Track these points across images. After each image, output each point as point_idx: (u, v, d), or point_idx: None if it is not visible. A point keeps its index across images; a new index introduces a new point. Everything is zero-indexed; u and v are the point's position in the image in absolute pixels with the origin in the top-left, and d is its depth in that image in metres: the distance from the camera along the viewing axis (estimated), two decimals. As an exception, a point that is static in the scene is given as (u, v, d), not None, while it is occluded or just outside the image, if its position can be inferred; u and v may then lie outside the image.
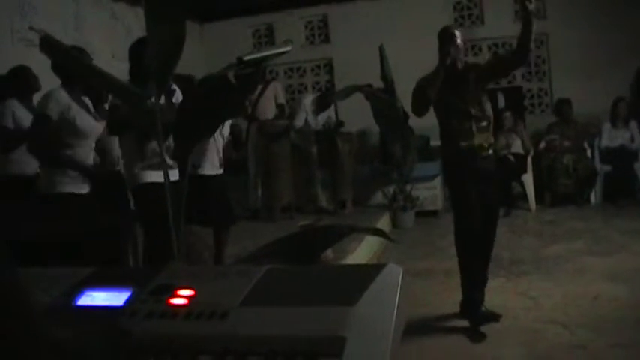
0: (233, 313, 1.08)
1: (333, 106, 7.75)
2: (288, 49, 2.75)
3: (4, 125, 4.35)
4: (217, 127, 3.78)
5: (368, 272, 1.13)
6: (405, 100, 7.05)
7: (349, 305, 1.04)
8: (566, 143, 7.90)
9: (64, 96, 3.51)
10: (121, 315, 1.13)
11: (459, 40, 3.97)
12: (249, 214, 7.30)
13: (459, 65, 3.99)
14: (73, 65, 3.17)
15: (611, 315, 3.93)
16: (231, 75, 2.40)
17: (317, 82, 9.76)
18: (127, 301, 1.16)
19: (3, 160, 4.38)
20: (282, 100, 7.77)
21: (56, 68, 3.57)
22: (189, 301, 1.13)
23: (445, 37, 4.01)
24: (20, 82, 4.56)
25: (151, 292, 1.17)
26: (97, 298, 1.19)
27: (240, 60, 2.46)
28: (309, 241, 2.10)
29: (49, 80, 3.83)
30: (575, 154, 7.86)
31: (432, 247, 6.08)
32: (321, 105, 7.68)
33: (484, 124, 3.96)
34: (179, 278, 1.21)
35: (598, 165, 7.91)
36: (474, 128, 3.91)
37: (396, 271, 1.14)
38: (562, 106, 8.13)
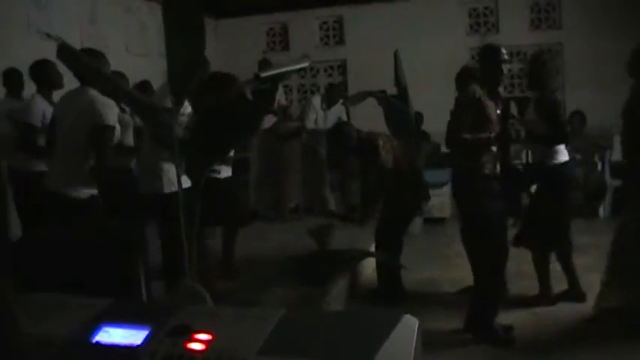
0: (250, 364, 1.08)
1: (343, 108, 7.73)
2: (305, 64, 2.76)
3: (31, 123, 4.11)
4: (236, 143, 3.72)
5: (384, 324, 1.14)
6: (418, 105, 7.06)
7: (366, 361, 1.05)
8: (577, 156, 7.86)
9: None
10: (139, 354, 1.14)
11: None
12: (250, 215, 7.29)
13: None
14: (88, 73, 3.18)
15: (617, 334, 3.92)
16: (248, 92, 2.41)
17: (330, 84, 9.74)
18: (145, 341, 1.17)
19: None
20: (283, 101, 7.73)
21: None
22: (206, 346, 1.14)
23: (497, 57, 3.69)
24: (42, 76, 4.28)
25: (168, 333, 1.18)
26: (114, 335, 1.20)
27: (257, 76, 2.47)
28: (320, 264, 2.11)
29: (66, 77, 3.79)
30: (585, 167, 7.82)
31: (439, 255, 6.05)
32: (330, 97, 7.65)
33: (493, 145, 3.88)
34: (196, 319, 1.21)
35: (608, 179, 7.87)
36: (486, 149, 3.82)
37: (411, 323, 1.16)
38: (574, 119, 8.10)
